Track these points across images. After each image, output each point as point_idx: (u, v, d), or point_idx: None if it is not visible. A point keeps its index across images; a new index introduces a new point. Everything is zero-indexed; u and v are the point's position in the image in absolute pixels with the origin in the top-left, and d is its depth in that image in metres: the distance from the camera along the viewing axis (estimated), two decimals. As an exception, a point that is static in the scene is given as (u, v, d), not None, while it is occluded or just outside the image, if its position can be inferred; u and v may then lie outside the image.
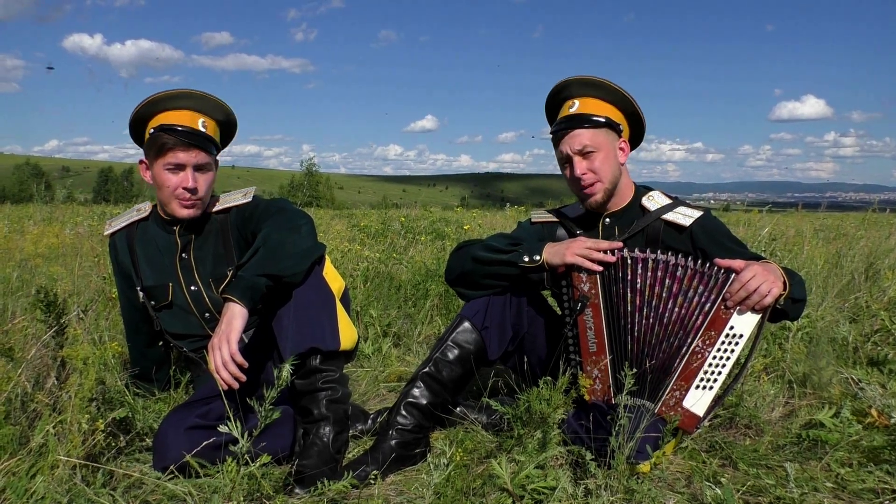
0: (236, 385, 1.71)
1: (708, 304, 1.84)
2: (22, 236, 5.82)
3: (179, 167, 2.04)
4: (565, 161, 2.12)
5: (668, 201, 2.15)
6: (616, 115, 2.13)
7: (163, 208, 2.15)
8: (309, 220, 1.99)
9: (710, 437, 2.06)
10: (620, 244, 1.93)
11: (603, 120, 2.08)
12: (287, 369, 1.62)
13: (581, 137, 2.06)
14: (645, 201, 2.16)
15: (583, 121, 2.07)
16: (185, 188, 2.04)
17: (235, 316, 1.74)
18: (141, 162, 2.14)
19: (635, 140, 2.25)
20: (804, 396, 2.37)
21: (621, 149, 2.14)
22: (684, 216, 2.09)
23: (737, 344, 1.83)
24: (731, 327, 1.82)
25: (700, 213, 2.09)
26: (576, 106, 2.10)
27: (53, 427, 1.62)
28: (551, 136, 2.17)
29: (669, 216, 2.10)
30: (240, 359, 1.71)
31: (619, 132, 2.13)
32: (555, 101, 2.19)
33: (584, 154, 2.07)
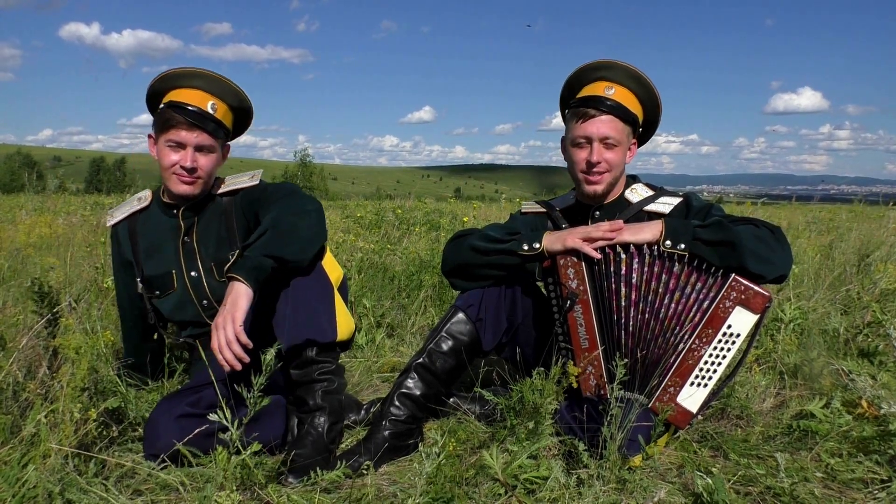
0: (238, 366, 1.68)
1: (706, 302, 1.83)
2: (14, 226, 5.79)
3: (180, 145, 2.03)
4: (584, 142, 2.07)
5: (650, 193, 2.15)
6: (640, 117, 2.13)
7: (165, 188, 2.13)
8: (318, 206, 1.97)
9: (701, 428, 2.07)
10: (621, 223, 1.90)
11: (633, 117, 2.08)
12: (271, 353, 1.62)
13: (611, 126, 2.04)
14: (628, 194, 2.16)
15: (619, 111, 2.04)
16: (182, 167, 2.03)
17: (241, 295, 1.72)
18: (150, 136, 2.13)
19: (639, 144, 2.23)
20: (795, 387, 2.38)
21: (629, 149, 2.14)
22: (664, 205, 2.09)
23: (733, 343, 1.83)
24: (729, 326, 1.82)
25: (679, 199, 2.09)
26: (612, 91, 2.06)
27: (45, 416, 1.61)
28: (573, 107, 2.10)
29: (651, 207, 2.10)
30: (244, 339, 1.68)
31: (636, 133, 2.14)
32: (588, 75, 2.12)
33: (606, 143, 2.05)
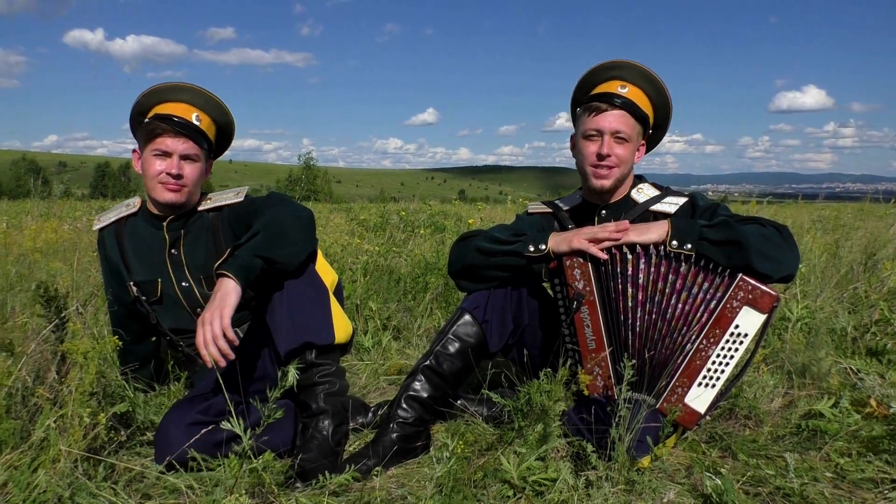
0: (223, 362, 1.68)
1: (714, 302, 1.83)
2: (20, 232, 5.81)
3: (166, 154, 2.05)
4: (595, 135, 2.08)
5: (656, 192, 2.15)
6: (651, 118, 2.13)
7: (151, 200, 2.15)
8: (309, 213, 2.00)
9: (709, 428, 2.06)
10: (627, 223, 1.89)
11: (644, 116, 2.08)
12: (293, 373, 1.62)
13: (623, 121, 2.05)
14: (634, 194, 2.16)
15: (631, 108, 2.06)
16: (168, 173, 2.05)
17: (229, 292, 1.73)
18: (134, 151, 2.16)
19: (647, 147, 2.24)
20: (803, 387, 2.37)
21: (638, 149, 2.14)
22: (670, 205, 2.09)
23: (741, 343, 1.82)
24: (737, 326, 1.81)
25: (685, 199, 2.09)
26: (626, 90, 2.08)
27: (54, 421, 1.62)
28: (586, 102, 2.11)
29: (657, 207, 2.10)
30: (231, 335, 1.69)
31: (645, 134, 2.14)
32: (601, 75, 2.14)
33: (618, 138, 2.06)
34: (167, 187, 2.07)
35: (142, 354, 2.32)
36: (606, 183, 2.09)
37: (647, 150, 2.23)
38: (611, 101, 2.05)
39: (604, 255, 1.88)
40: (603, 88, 2.11)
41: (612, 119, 2.05)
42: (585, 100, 2.13)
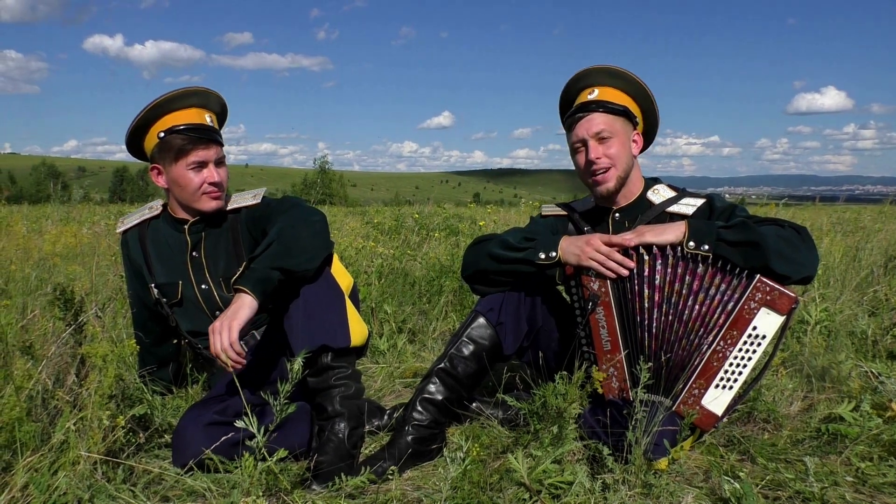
0: (240, 365, 1.74)
1: (731, 304, 1.81)
2: (40, 236, 5.88)
3: (202, 164, 2.06)
4: (579, 145, 2.10)
5: (672, 194, 2.14)
6: (633, 108, 2.12)
7: (188, 210, 2.16)
8: (322, 216, 2.00)
9: (728, 432, 2.05)
10: (632, 240, 1.88)
11: (621, 108, 2.08)
12: (299, 362, 1.64)
13: (598, 121, 2.05)
14: (650, 195, 2.15)
15: (601, 106, 2.07)
16: (211, 183, 2.07)
17: (243, 306, 1.76)
18: (153, 168, 2.13)
19: (647, 138, 2.23)
20: (823, 390, 2.34)
21: (634, 141, 2.13)
22: (687, 206, 2.07)
23: (759, 345, 1.81)
24: (755, 328, 1.80)
25: (702, 201, 2.07)
26: (595, 93, 2.09)
27: (74, 424, 1.64)
28: (565, 121, 2.15)
29: (673, 208, 2.08)
30: (238, 348, 1.73)
31: (634, 124, 2.13)
32: (573, 90, 2.17)
33: (601, 139, 2.06)
34: (212, 196, 2.10)
35: (161, 356, 2.35)
36: (610, 185, 2.09)
37: (647, 142, 2.22)
38: (583, 109, 2.08)
39: (611, 275, 1.88)
40: (578, 102, 2.13)
41: (589, 123, 2.06)
42: (565, 118, 2.16)
